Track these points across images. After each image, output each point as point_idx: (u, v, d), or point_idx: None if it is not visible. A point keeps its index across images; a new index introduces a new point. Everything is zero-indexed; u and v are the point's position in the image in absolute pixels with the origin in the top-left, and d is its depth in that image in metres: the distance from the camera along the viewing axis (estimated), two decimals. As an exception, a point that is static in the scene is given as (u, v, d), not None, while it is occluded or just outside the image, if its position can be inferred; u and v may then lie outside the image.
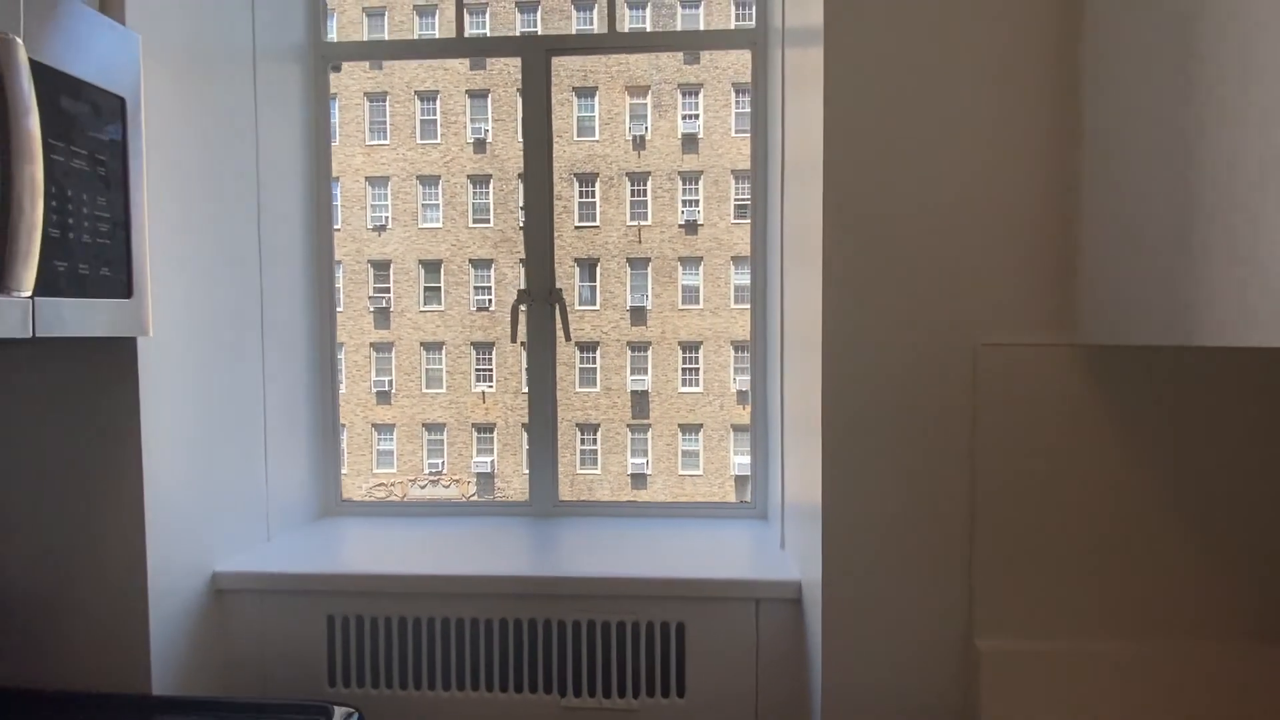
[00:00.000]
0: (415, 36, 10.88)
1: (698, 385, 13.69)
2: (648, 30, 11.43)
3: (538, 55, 1.33)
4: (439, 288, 13.61)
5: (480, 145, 13.67)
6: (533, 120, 1.34)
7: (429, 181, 13.71)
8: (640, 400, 13.71)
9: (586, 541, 1.23)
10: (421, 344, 13.61)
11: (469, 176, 13.77)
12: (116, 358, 0.94)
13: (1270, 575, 0.88)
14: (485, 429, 13.33)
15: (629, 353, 14.04)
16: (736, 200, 13.45)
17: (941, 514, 0.91)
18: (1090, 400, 0.88)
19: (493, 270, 13.64)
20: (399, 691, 1.09)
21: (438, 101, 13.58)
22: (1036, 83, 0.88)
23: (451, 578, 1.07)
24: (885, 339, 0.90)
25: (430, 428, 13.01)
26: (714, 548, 1.19)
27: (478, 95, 13.58)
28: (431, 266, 13.64)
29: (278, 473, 1.26)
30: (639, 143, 14.05)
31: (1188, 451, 0.88)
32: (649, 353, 14.17)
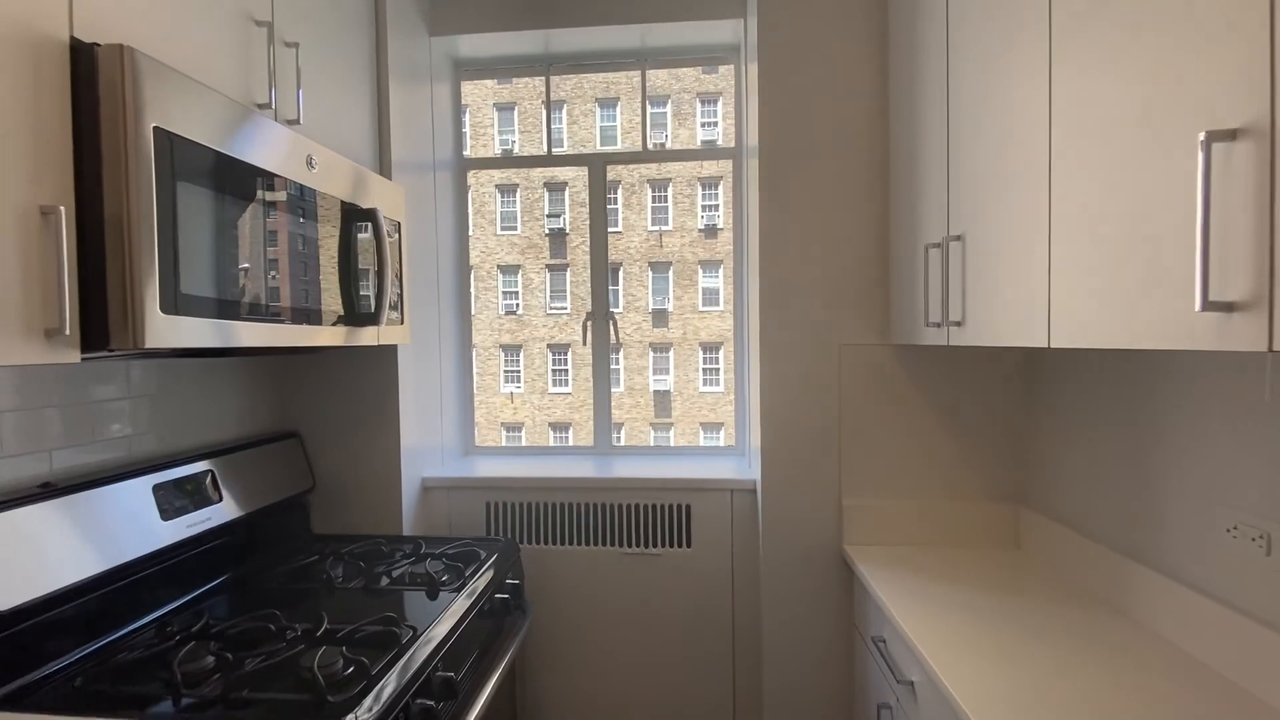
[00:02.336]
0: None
1: (719, 385, 14.43)
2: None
3: (599, 165, 2.19)
4: (469, 293, 14.49)
5: (507, 155, 14.56)
6: (596, 209, 2.20)
7: (459, 191, 14.60)
8: (662, 400, 14.48)
9: (633, 463, 2.09)
10: (453, 347, 14.44)
11: (496, 186, 14.70)
12: (388, 357, 1.82)
13: (991, 463, 1.71)
14: (514, 428, 14.24)
15: (651, 354, 14.78)
16: (754, 206, 13.99)
17: (823, 440, 1.75)
18: (898, 372, 1.72)
19: (520, 275, 14.54)
20: (528, 545, 1.95)
21: (467, 115, 14.52)
22: (869, 190, 1.72)
23: (557, 478, 1.93)
24: (792, 341, 1.74)
25: (461, 427, 13.91)
26: (711, 467, 2.04)
27: (505, 108, 14.52)
28: (461, 273, 14.47)
29: (446, 425, 2.14)
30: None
31: (946, 397, 1.71)
32: (670, 354, 14.86)
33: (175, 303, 0.98)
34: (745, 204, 2.09)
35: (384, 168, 1.81)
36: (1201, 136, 0.67)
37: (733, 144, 2.18)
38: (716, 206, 15.15)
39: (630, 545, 1.93)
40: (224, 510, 1.52)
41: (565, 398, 14.69)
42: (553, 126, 2.35)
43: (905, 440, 1.73)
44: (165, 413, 1.52)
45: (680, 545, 1.92)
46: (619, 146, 14.82)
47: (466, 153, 2.30)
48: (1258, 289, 0.63)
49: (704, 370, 14.58)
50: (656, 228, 14.80)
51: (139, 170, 0.93)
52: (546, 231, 14.86)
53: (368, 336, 1.56)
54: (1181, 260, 0.73)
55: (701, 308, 14.72)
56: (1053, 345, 0.97)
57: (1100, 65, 0.87)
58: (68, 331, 0.88)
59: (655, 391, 14.68)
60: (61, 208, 0.88)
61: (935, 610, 1.33)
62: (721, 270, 14.79)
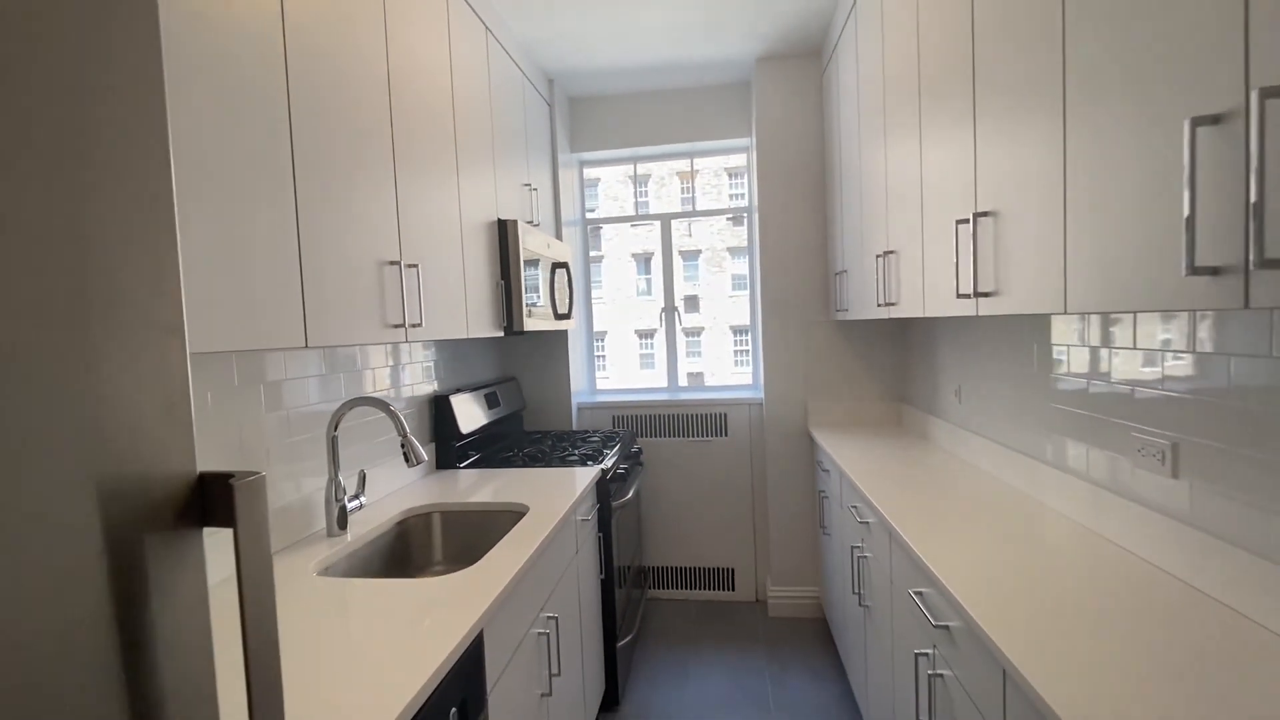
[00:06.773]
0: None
1: (748, 365, 16.02)
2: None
3: (667, 222, 3.91)
4: (591, 301, 16.28)
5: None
6: (666, 249, 3.91)
7: (500, 191, 16.35)
8: (696, 381, 16.14)
9: (691, 394, 3.82)
10: (500, 337, 16.22)
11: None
12: (562, 336, 3.57)
13: (885, 380, 3.40)
14: (558, 410, 16.07)
15: (684, 338, 16.42)
16: (778, 196, 15.52)
17: (797, 373, 3.46)
18: (837, 338, 3.42)
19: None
20: (637, 438, 3.70)
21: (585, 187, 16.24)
22: (819, 231, 3.41)
23: (650, 400, 3.69)
24: (781, 321, 3.45)
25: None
26: (738, 393, 3.76)
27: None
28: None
29: (585, 377, 3.89)
30: (687, 143, 16.28)
31: (861, 345, 3.40)
32: (701, 338, 16.46)
33: (527, 313, 2.73)
34: (754, 241, 3.79)
35: (558, 228, 3.55)
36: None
37: (747, 192, 3.88)
38: (743, 195, 16.73)
39: (693, 436, 3.66)
40: (500, 411, 3.28)
41: (604, 380, 16.45)
42: (637, 188, 4.06)
43: (840, 371, 3.42)
44: (458, 364, 3.29)
45: (722, 435, 3.65)
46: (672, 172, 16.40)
47: (589, 214, 4.04)
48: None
49: (735, 352, 16.19)
50: (686, 217, 16.39)
51: (519, 264, 2.67)
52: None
53: (564, 325, 3.31)
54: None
55: (731, 292, 16.32)
56: (878, 317, 2.66)
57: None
58: (504, 325, 2.64)
59: (689, 374, 16.39)
60: (504, 281, 2.63)
61: (846, 447, 3.03)
62: (749, 255, 16.36)
